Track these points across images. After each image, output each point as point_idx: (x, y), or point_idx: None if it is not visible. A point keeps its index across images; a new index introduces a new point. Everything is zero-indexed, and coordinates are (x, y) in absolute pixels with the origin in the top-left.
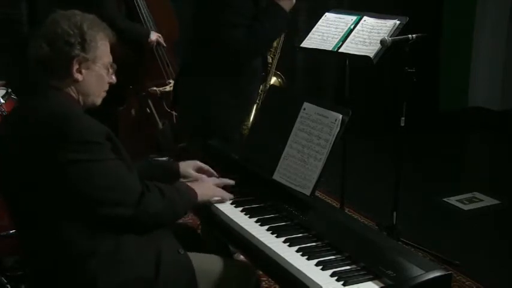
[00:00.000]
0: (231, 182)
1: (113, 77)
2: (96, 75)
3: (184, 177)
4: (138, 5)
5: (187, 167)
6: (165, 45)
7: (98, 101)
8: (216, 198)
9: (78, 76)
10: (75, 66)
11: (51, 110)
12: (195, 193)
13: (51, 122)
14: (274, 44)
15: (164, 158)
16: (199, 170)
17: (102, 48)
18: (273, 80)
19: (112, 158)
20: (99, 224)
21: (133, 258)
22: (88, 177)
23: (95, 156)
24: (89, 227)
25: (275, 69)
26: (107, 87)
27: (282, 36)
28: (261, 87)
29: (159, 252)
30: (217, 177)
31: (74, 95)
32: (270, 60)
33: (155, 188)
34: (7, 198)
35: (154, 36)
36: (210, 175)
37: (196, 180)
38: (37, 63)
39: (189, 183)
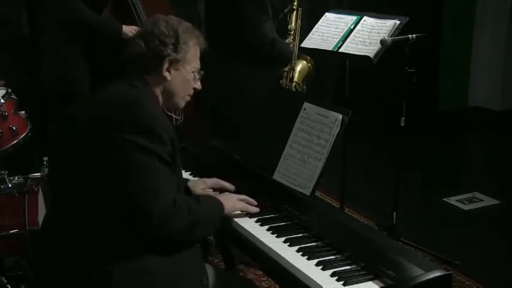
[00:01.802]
0: (254, 201)
1: (199, 83)
2: (183, 77)
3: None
4: (133, 3)
5: (197, 186)
6: None
7: (181, 103)
8: (238, 212)
9: (167, 75)
10: (166, 65)
11: (128, 96)
12: (222, 207)
13: (124, 106)
14: (292, 25)
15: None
16: (210, 188)
17: (192, 53)
18: (302, 64)
19: (164, 158)
20: (126, 227)
21: (152, 271)
22: (135, 164)
23: (152, 147)
24: (119, 226)
25: (305, 54)
26: (191, 92)
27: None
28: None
29: (179, 275)
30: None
31: (158, 94)
32: (290, 40)
33: (183, 206)
34: (55, 179)
35: (128, 29)
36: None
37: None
38: (132, 59)
39: (216, 196)
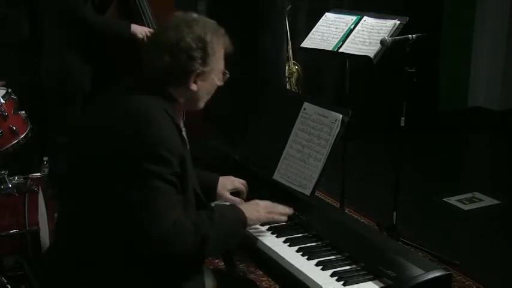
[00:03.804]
0: (287, 210)
1: (222, 82)
2: (210, 84)
3: (219, 197)
4: (139, 4)
5: (224, 188)
6: None
7: (202, 105)
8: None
9: (194, 87)
10: (193, 79)
11: (142, 109)
12: (245, 220)
13: (135, 122)
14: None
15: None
16: (235, 190)
17: (219, 58)
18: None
19: (168, 179)
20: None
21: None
22: (135, 184)
23: (153, 168)
24: (121, 237)
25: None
26: (214, 91)
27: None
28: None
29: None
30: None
31: (180, 101)
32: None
33: (187, 226)
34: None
35: (137, 29)
36: (241, 195)
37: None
38: (155, 70)
39: (241, 206)
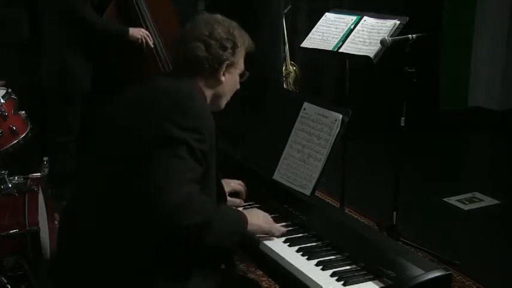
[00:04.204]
0: (282, 229)
1: (239, 84)
2: (233, 79)
3: None
4: (137, 3)
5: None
6: (151, 44)
7: (224, 105)
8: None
9: (223, 78)
10: (223, 69)
11: (181, 87)
12: (246, 221)
13: (176, 94)
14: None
15: None
16: (233, 191)
17: (242, 55)
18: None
19: (196, 153)
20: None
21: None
22: (166, 144)
23: (187, 139)
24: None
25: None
26: (234, 92)
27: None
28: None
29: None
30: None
31: (208, 95)
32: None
33: (198, 203)
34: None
35: (135, 31)
36: (241, 196)
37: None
38: (189, 60)
39: (245, 211)
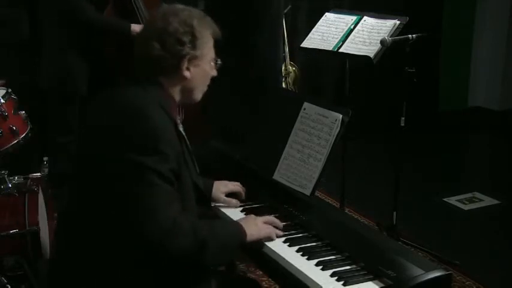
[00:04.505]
0: (280, 224)
1: (215, 71)
2: (203, 71)
3: (214, 200)
4: (135, 3)
5: (218, 191)
6: None
7: (200, 97)
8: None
9: (187, 74)
10: (185, 65)
11: (137, 104)
12: (244, 235)
13: (130, 116)
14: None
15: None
16: (230, 192)
17: (209, 45)
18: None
19: (166, 176)
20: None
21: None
22: (134, 182)
23: (152, 165)
24: (119, 235)
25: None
26: (209, 81)
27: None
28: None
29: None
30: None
31: (175, 93)
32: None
33: (186, 226)
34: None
35: (137, 27)
36: (240, 196)
37: (226, 205)
38: (145, 60)
39: (241, 221)
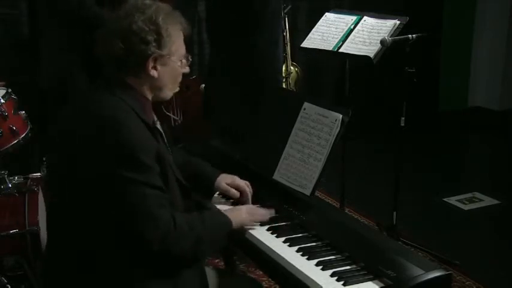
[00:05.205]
0: (267, 212)
1: (187, 68)
2: (171, 69)
3: (215, 189)
4: None
5: (223, 180)
6: None
7: (170, 95)
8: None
9: (154, 73)
10: (151, 64)
11: (106, 112)
12: (230, 224)
13: (102, 129)
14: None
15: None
16: (235, 187)
17: (177, 42)
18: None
19: (154, 184)
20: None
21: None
22: (125, 196)
23: (137, 177)
24: (110, 239)
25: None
26: (180, 78)
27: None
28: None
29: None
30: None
31: (144, 92)
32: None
33: (183, 225)
34: (52, 193)
35: None
36: (245, 195)
37: (227, 194)
38: (109, 59)
39: (224, 211)
